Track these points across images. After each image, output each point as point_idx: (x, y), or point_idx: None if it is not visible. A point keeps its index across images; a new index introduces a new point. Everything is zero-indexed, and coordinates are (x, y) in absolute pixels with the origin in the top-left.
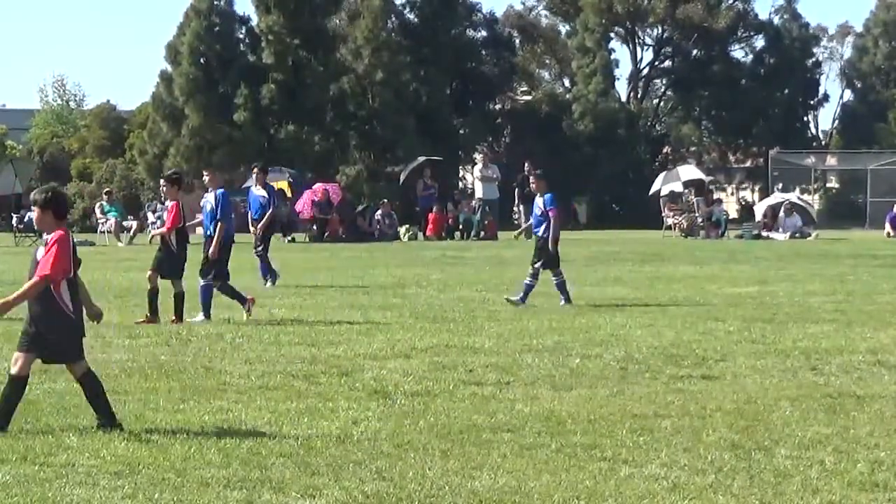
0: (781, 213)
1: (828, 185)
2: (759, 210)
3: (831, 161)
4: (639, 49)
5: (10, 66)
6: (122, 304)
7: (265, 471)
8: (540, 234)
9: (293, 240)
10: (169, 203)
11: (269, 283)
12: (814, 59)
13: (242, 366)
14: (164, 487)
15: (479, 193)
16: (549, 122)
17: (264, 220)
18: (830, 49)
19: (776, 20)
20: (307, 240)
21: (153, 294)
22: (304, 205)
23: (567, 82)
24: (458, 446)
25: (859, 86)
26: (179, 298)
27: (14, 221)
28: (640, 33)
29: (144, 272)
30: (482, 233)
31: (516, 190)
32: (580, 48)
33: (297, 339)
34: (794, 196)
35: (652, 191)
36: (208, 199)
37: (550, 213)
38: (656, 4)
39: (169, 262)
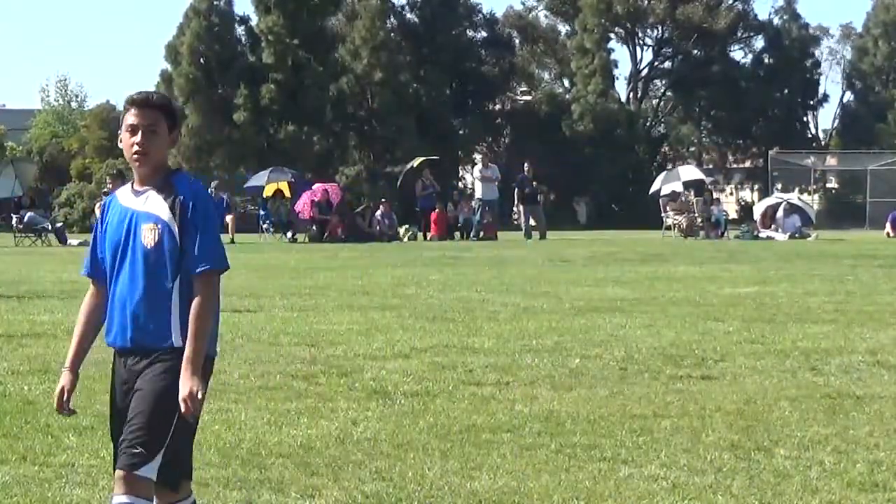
0: (780, 214)
1: (827, 185)
2: (758, 210)
3: (831, 161)
4: (638, 49)
5: (9, 66)
6: None
7: (264, 471)
8: None
9: (295, 239)
10: None
11: None
12: (813, 60)
13: (242, 366)
14: None
15: (478, 194)
16: (549, 122)
17: None
18: (831, 49)
19: (776, 20)
20: (306, 240)
21: None
22: (303, 205)
23: (566, 82)
24: (458, 446)
25: (859, 86)
26: None
27: (14, 222)
28: (639, 34)
29: None
30: (481, 233)
31: (516, 190)
32: (579, 48)
33: (297, 339)
34: (793, 196)
35: (651, 191)
36: None
37: None
38: (656, 5)
39: None
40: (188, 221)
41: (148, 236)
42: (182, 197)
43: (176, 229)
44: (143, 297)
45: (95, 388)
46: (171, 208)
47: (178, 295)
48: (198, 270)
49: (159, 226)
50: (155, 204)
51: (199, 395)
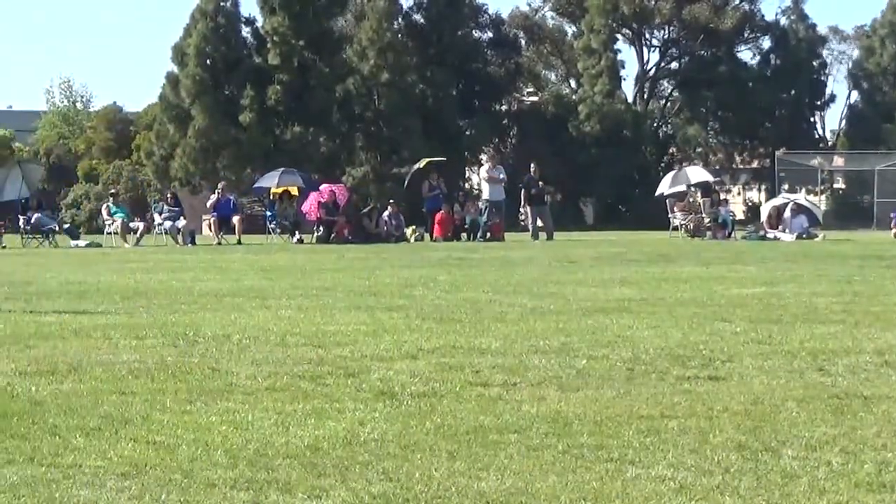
0: (788, 214)
1: (834, 185)
2: (764, 211)
3: (838, 162)
4: (645, 50)
5: (16, 67)
6: (129, 306)
7: (272, 472)
8: None
9: (301, 241)
10: None
11: None
12: (820, 61)
13: (249, 367)
14: (171, 488)
15: (485, 195)
16: (556, 123)
17: None
18: (838, 51)
19: (783, 21)
20: (313, 241)
21: None
22: (310, 206)
23: (573, 83)
24: (465, 447)
25: (866, 86)
26: None
27: (21, 223)
28: (646, 34)
29: (151, 274)
30: (488, 234)
31: (522, 191)
32: (586, 49)
33: (304, 340)
34: (800, 197)
35: (658, 191)
36: None
37: None
38: (662, 5)
39: None
40: None
41: None
42: None
43: None
44: None
45: (102, 389)
46: None
47: None
48: None
49: None
50: None
51: None
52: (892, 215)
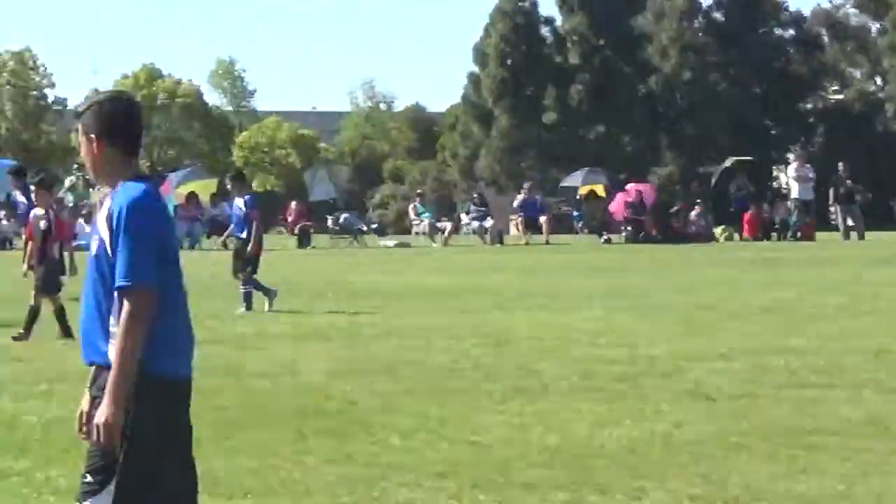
0: None
1: None
2: None
3: None
4: None
5: (319, 69)
6: (441, 307)
7: (589, 472)
8: (243, 236)
9: (609, 240)
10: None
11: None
12: None
13: (562, 367)
14: (488, 488)
15: (794, 193)
16: (862, 121)
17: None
18: None
19: None
20: (622, 241)
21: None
22: (617, 206)
23: (878, 81)
24: (783, 449)
25: None
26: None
27: (330, 223)
28: None
29: (461, 274)
30: (798, 234)
31: (831, 190)
32: (891, 46)
33: (615, 339)
34: None
35: None
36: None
37: (252, 216)
38: None
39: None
40: (116, 235)
41: (93, 249)
42: (111, 210)
43: (108, 244)
44: (85, 312)
45: (416, 389)
46: (108, 221)
47: (116, 312)
48: (114, 287)
49: (97, 238)
50: (101, 216)
51: (108, 425)
52: None
